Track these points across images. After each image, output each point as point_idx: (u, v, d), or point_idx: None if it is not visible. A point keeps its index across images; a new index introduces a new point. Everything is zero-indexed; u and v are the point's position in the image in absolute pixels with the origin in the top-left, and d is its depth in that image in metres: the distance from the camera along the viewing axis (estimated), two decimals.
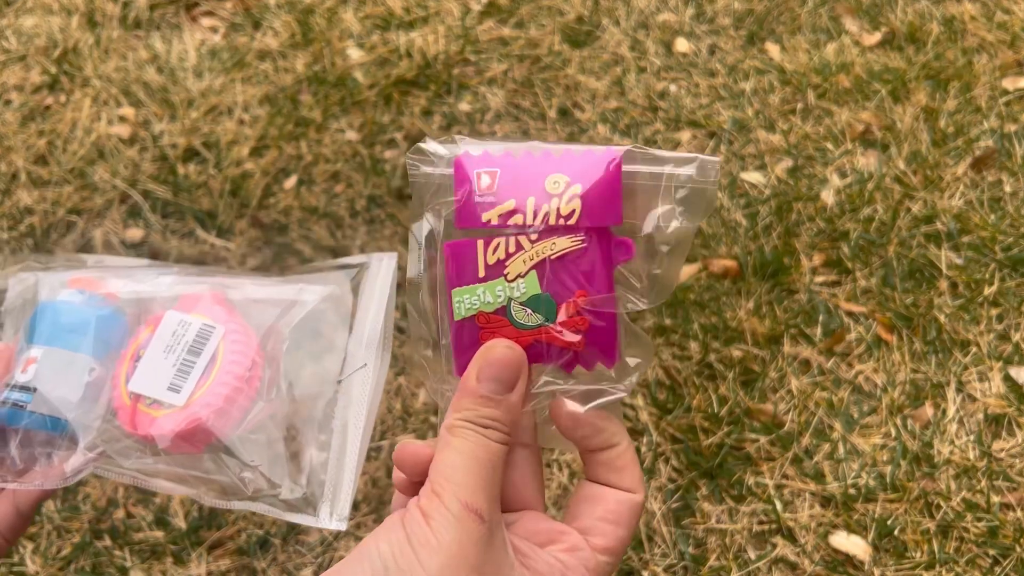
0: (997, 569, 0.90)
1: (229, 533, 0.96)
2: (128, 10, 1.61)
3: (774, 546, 0.93)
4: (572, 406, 0.32)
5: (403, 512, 0.29)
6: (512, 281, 0.31)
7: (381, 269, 0.40)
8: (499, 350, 0.30)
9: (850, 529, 0.94)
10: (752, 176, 1.31)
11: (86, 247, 1.26)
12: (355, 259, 0.41)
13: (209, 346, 0.40)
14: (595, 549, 0.30)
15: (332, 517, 0.36)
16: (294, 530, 0.96)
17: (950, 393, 1.04)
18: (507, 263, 0.31)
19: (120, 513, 0.98)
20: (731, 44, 1.53)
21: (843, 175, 1.31)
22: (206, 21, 1.62)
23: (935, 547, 0.92)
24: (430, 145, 0.33)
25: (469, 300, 0.31)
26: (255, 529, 0.96)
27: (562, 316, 0.31)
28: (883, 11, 1.56)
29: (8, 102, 1.46)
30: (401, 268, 0.45)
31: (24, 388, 0.42)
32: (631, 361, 0.33)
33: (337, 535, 0.95)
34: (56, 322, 0.43)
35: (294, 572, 0.93)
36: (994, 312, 1.12)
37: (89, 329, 0.42)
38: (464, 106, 1.46)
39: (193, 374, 0.39)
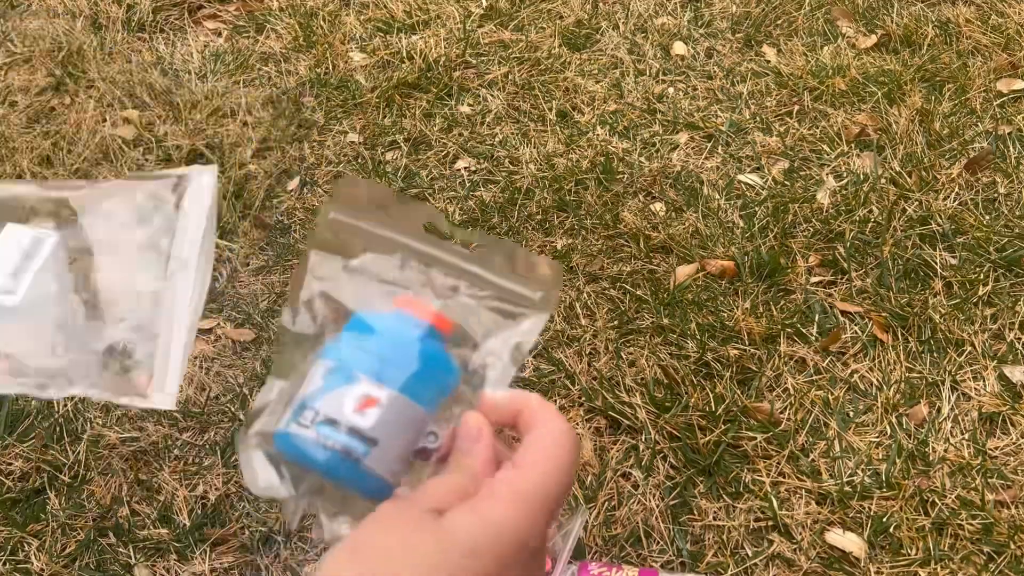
0: (992, 566, 0.91)
1: (232, 530, 0.97)
2: (132, 13, 1.63)
3: (771, 543, 0.94)
4: (486, 392, 0.36)
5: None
6: None
7: (203, 182, 0.42)
8: (463, 418, 0.36)
9: (846, 526, 0.95)
10: (749, 177, 1.33)
11: None
12: (175, 171, 0.43)
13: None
14: (515, 463, 0.33)
15: (162, 394, 0.40)
16: (298, 528, 0.97)
17: (945, 392, 1.05)
18: None
19: (124, 511, 0.99)
20: (728, 47, 1.54)
21: (839, 176, 1.32)
22: (210, 24, 1.63)
23: (930, 544, 0.93)
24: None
25: None
26: (258, 526, 0.97)
27: None
28: (879, 14, 1.57)
29: (13, 104, 1.47)
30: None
31: (362, 435, 0.34)
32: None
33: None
34: (403, 360, 0.35)
35: (297, 569, 0.94)
36: (988, 312, 1.13)
37: (430, 377, 0.36)
38: (465, 108, 1.47)
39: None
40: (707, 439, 1.01)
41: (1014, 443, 1.01)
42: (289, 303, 0.38)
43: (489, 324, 0.38)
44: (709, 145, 1.38)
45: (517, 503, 0.31)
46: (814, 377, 1.08)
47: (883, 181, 1.30)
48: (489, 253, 0.38)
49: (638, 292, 1.18)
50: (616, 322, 1.14)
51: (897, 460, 0.99)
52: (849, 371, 1.08)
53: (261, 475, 0.35)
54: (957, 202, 1.27)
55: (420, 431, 0.35)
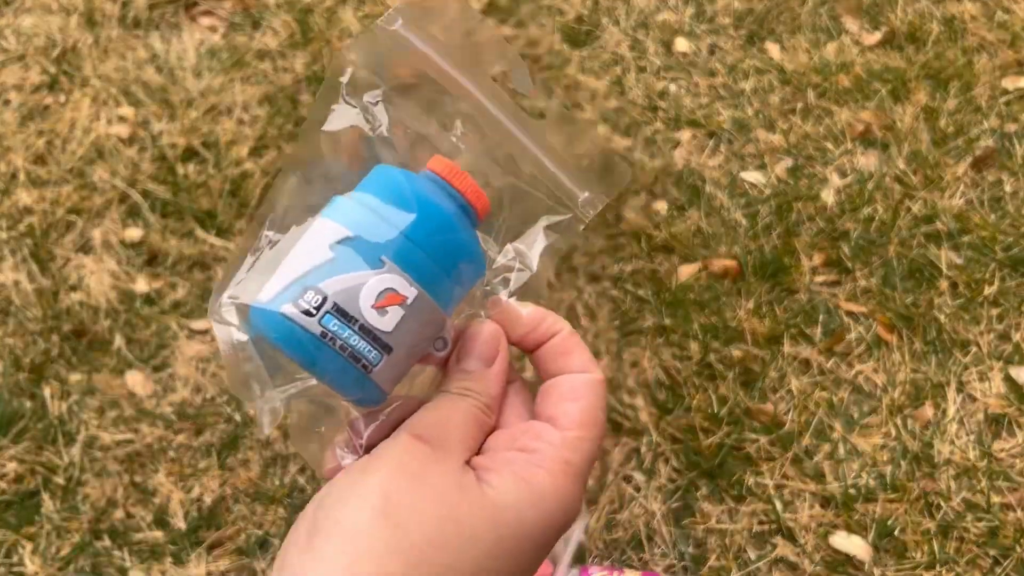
0: (997, 569, 0.90)
1: (228, 533, 0.96)
2: (127, 10, 1.61)
3: (774, 546, 0.93)
4: (504, 300, 0.30)
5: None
6: None
7: None
8: (474, 328, 0.30)
9: (850, 529, 0.94)
10: (752, 176, 1.31)
11: (85, 247, 1.26)
12: None
13: None
14: (562, 428, 0.29)
15: None
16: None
17: (950, 393, 1.04)
18: None
19: (119, 513, 0.97)
20: (731, 44, 1.52)
21: (843, 175, 1.31)
22: (205, 21, 1.62)
23: (935, 547, 0.92)
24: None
25: None
26: (254, 529, 0.96)
27: None
28: (883, 10, 1.55)
29: (7, 102, 1.45)
30: None
31: (377, 340, 0.26)
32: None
33: None
34: (436, 246, 0.27)
35: None
36: (994, 312, 1.12)
37: (460, 273, 0.28)
38: (463, 106, 1.45)
39: None
40: (710, 441, 1.00)
41: (1020, 445, 1.00)
42: (321, 99, 0.29)
43: (522, 216, 0.31)
44: (712, 143, 1.37)
45: (569, 477, 0.27)
46: (818, 378, 1.07)
47: (888, 179, 1.29)
48: (555, 128, 0.30)
49: (640, 292, 1.16)
50: (617, 322, 1.13)
51: (902, 462, 0.98)
52: (854, 372, 1.07)
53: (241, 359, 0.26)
54: (963, 200, 1.25)
55: (434, 337, 0.28)
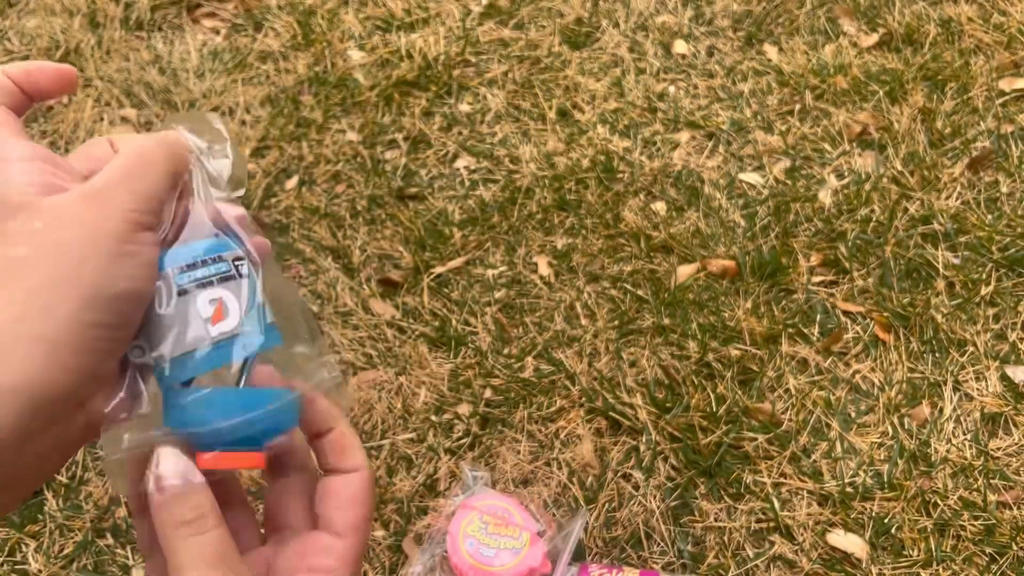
0: (994, 567, 0.91)
1: None
2: (130, 11, 1.62)
3: (772, 544, 0.94)
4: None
5: None
6: None
7: None
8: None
9: (847, 527, 0.94)
10: (750, 177, 1.32)
11: None
12: None
13: None
14: (345, 536, 0.31)
15: None
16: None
17: (947, 392, 1.05)
18: None
19: (122, 511, 0.98)
20: (729, 46, 1.53)
21: (841, 176, 1.31)
22: (208, 22, 1.63)
23: (932, 545, 0.92)
24: None
25: None
26: None
27: None
28: (880, 12, 1.56)
29: None
30: None
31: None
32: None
33: None
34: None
35: None
36: (991, 312, 1.13)
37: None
38: (464, 107, 1.46)
39: None
40: (708, 440, 1.01)
41: (1016, 444, 1.01)
42: None
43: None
44: (710, 144, 1.37)
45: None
46: (816, 377, 1.07)
47: (885, 180, 1.29)
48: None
49: (639, 292, 1.17)
50: (617, 322, 1.14)
51: (899, 461, 0.99)
52: (851, 371, 1.08)
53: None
54: (959, 201, 1.26)
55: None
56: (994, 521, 0.93)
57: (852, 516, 0.95)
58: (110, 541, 0.96)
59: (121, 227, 0.27)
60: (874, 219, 1.24)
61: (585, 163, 1.34)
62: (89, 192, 0.27)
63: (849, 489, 0.97)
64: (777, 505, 0.96)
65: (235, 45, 1.56)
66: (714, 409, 1.03)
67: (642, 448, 1.01)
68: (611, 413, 1.04)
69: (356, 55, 1.55)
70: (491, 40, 1.57)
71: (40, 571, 0.94)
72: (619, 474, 0.99)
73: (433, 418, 1.06)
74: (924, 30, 1.52)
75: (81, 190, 0.28)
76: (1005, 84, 1.43)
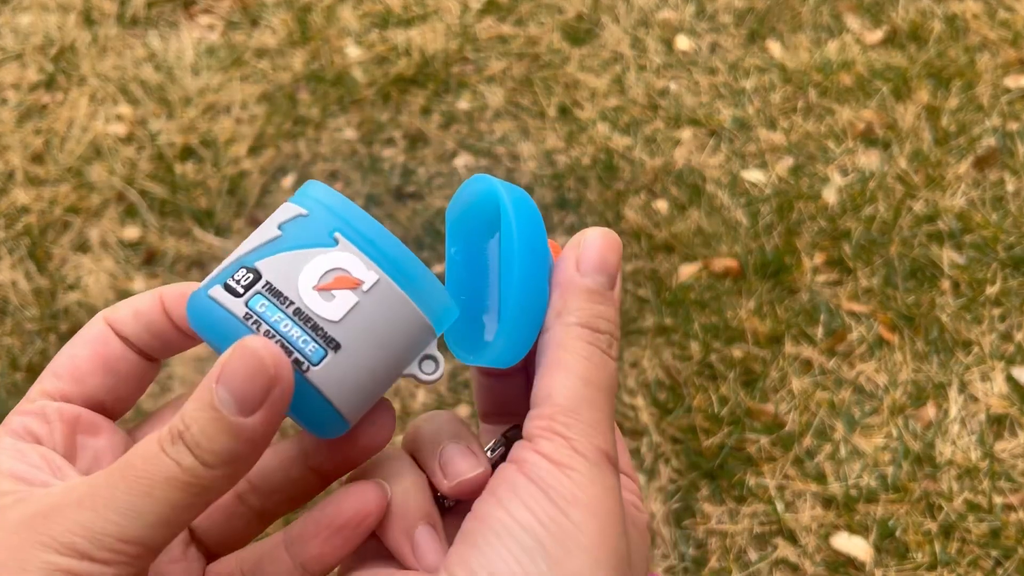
0: (999, 570, 0.90)
1: None
2: (125, 8, 1.61)
3: (775, 547, 0.93)
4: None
5: (521, 465, 0.22)
6: None
7: None
8: (595, 233, 0.24)
9: (851, 530, 0.93)
10: (753, 175, 1.31)
11: (83, 246, 1.26)
12: None
13: None
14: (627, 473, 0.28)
15: None
16: None
17: (952, 393, 1.04)
18: None
19: None
20: (732, 42, 1.52)
21: (845, 174, 1.30)
22: (203, 19, 1.61)
23: (937, 548, 0.91)
24: None
25: None
26: None
27: None
28: (885, 9, 1.55)
29: (5, 100, 1.45)
30: None
31: (315, 328, 0.21)
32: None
33: None
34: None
35: None
36: (996, 312, 1.11)
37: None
38: (463, 104, 1.45)
39: None
40: (710, 442, 1.00)
41: (1022, 445, 0.99)
42: None
43: None
44: (712, 141, 1.36)
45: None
46: (819, 378, 1.06)
47: (889, 178, 1.28)
48: None
49: (640, 292, 1.16)
50: None
51: (904, 463, 0.98)
52: (855, 372, 1.07)
53: None
54: (964, 200, 1.25)
55: (415, 349, 0.22)
56: (999, 524, 0.92)
57: (856, 519, 0.94)
58: None
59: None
60: (878, 218, 1.23)
61: (585, 161, 1.33)
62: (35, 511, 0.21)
63: (853, 492, 0.96)
64: (780, 508, 0.95)
65: (231, 42, 1.55)
66: (716, 410, 1.02)
67: (644, 450, 1.00)
68: None
69: (353, 52, 1.54)
70: (490, 37, 1.55)
71: None
72: None
73: None
74: (929, 26, 1.51)
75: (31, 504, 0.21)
76: (1011, 81, 1.42)
